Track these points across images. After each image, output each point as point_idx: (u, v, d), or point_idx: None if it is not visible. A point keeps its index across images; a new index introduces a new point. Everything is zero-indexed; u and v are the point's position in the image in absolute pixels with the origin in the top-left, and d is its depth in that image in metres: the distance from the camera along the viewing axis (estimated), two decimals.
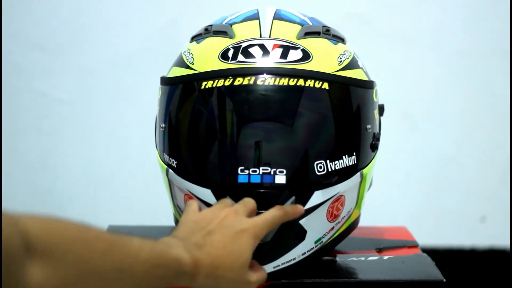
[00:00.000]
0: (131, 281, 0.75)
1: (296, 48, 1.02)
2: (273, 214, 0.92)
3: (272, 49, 1.01)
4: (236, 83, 0.99)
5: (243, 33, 1.05)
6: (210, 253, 0.85)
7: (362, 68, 1.08)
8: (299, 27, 1.07)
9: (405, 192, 2.13)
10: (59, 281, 0.67)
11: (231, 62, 1.01)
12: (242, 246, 0.87)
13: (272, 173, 0.98)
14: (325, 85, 1.00)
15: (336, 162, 1.01)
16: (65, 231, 0.69)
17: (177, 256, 0.81)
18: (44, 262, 0.66)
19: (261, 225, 0.90)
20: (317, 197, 1.00)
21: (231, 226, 0.88)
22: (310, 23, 1.09)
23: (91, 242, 0.71)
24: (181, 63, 1.06)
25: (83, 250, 0.70)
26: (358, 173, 1.03)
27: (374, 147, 1.06)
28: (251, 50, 1.01)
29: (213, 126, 1.00)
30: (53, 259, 0.66)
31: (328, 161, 1.00)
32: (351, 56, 1.07)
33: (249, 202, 0.94)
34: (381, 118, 1.12)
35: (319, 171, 1.00)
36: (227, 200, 0.95)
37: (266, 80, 0.99)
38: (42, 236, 0.66)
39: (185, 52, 1.07)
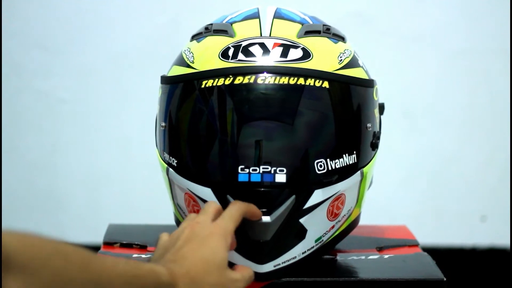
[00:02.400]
0: None
1: (296, 47, 1.02)
2: (230, 210, 0.93)
3: (273, 48, 1.01)
4: (237, 82, 0.99)
5: (244, 32, 1.05)
6: (183, 264, 0.86)
7: (362, 67, 1.08)
8: (300, 26, 1.07)
9: (405, 191, 2.13)
10: None
11: (232, 61, 1.01)
12: (213, 248, 0.88)
13: (272, 172, 0.98)
14: (325, 84, 1.00)
15: (337, 160, 1.01)
16: (43, 246, 0.70)
17: (153, 268, 0.82)
18: (22, 276, 0.67)
19: (224, 224, 0.91)
20: (318, 196, 1.00)
21: (196, 235, 0.89)
22: (311, 22, 1.09)
23: (68, 256, 0.72)
24: (181, 62, 1.06)
25: (60, 264, 0.71)
26: (359, 171, 1.03)
27: (375, 146, 1.06)
28: (251, 49, 1.01)
29: (214, 125, 1.00)
30: (31, 273, 0.68)
31: (328, 159, 1.00)
32: (352, 55, 1.07)
33: (209, 207, 0.94)
34: (382, 116, 1.12)
35: (319, 170, 1.00)
36: (192, 215, 0.95)
37: (266, 79, 0.99)
38: (20, 250, 0.67)
39: (185, 51, 1.07)
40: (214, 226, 0.90)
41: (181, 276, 0.84)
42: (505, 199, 2.11)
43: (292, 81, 0.99)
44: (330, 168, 1.00)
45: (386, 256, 1.09)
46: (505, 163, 2.11)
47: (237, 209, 0.94)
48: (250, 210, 0.95)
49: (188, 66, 1.04)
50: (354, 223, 1.09)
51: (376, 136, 1.06)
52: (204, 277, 0.86)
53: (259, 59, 1.00)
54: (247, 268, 0.93)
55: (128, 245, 1.13)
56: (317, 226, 1.02)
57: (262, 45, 1.02)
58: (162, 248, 0.90)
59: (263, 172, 0.98)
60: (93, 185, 2.13)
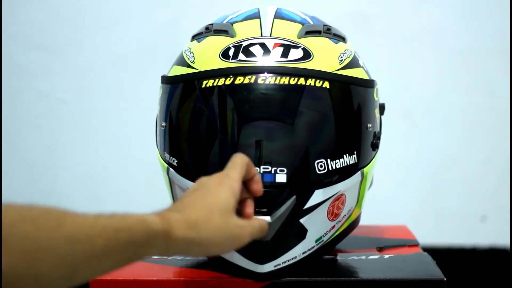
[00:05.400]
0: (91, 252, 0.70)
1: (297, 47, 1.02)
2: (231, 161, 0.89)
3: (273, 48, 1.01)
4: (237, 82, 0.99)
5: (244, 32, 1.05)
6: (182, 211, 0.80)
7: (362, 67, 1.08)
8: (300, 26, 1.07)
9: (405, 191, 2.13)
10: (10, 263, 0.66)
11: (232, 61, 1.01)
12: (218, 196, 0.83)
13: (272, 172, 0.98)
14: (326, 84, 1.00)
15: (337, 161, 1.01)
16: (7, 214, 0.67)
17: (141, 217, 0.75)
18: None
19: (230, 173, 0.87)
20: (318, 196, 1.00)
21: (202, 186, 0.85)
22: (311, 22, 1.09)
23: (36, 219, 0.68)
24: (182, 62, 1.06)
25: (28, 228, 0.67)
26: (359, 172, 1.03)
27: (375, 146, 1.06)
28: (252, 49, 1.01)
29: (214, 125, 1.00)
30: None
31: (328, 160, 1.00)
32: (352, 55, 1.07)
33: (236, 158, 0.90)
34: (382, 117, 1.12)
35: (319, 170, 0.99)
36: None
37: (266, 79, 0.99)
38: None
39: (186, 51, 1.07)
40: (220, 176, 0.86)
41: (177, 221, 0.78)
42: (505, 199, 2.11)
43: (293, 81, 0.99)
44: (330, 168, 1.00)
45: (386, 256, 1.09)
46: (505, 163, 2.11)
47: (240, 157, 0.89)
48: (251, 168, 0.90)
49: (189, 66, 1.04)
50: (354, 223, 1.09)
51: (377, 136, 1.06)
52: (204, 221, 0.80)
53: (259, 59, 1.00)
54: (258, 218, 0.89)
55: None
56: (317, 226, 1.02)
57: (263, 45, 1.02)
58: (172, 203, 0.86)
59: (264, 172, 0.98)
60: (93, 185, 2.13)
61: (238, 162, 0.89)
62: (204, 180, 0.87)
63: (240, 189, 0.87)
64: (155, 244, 0.76)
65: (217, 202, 0.82)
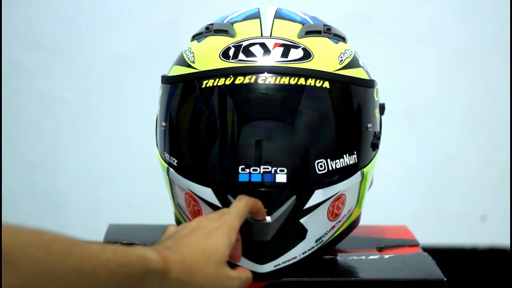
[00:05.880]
0: (94, 282, 0.74)
1: (297, 47, 1.02)
2: (237, 206, 0.93)
3: (273, 48, 1.01)
4: (237, 82, 0.99)
5: (244, 32, 1.05)
6: (180, 252, 0.85)
7: (363, 67, 1.08)
8: (300, 26, 1.07)
9: (405, 191, 2.13)
10: (18, 285, 0.67)
11: (232, 61, 1.01)
12: (216, 243, 0.88)
13: (272, 172, 0.98)
14: (326, 84, 1.00)
15: (337, 161, 1.01)
16: (19, 237, 0.69)
17: (143, 255, 0.80)
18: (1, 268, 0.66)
19: (230, 221, 0.91)
20: (318, 196, 1.00)
21: (201, 228, 0.89)
22: (311, 22, 1.09)
23: (47, 244, 0.70)
24: (182, 62, 1.06)
25: (39, 253, 0.69)
26: (359, 172, 1.03)
27: (375, 146, 1.06)
28: (252, 49, 1.01)
29: (214, 125, 1.00)
30: (9, 264, 0.66)
31: (329, 160, 1.00)
32: (352, 55, 1.07)
33: (222, 210, 0.95)
34: (382, 117, 1.12)
35: (319, 170, 0.99)
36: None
37: (267, 79, 0.99)
38: None
39: (186, 51, 1.07)
40: (221, 222, 0.90)
41: (175, 262, 0.83)
42: (505, 199, 2.11)
43: (293, 81, 0.99)
44: (330, 168, 1.00)
45: (386, 256, 1.09)
46: (505, 163, 2.11)
47: (244, 204, 0.94)
48: (256, 206, 0.95)
49: (189, 66, 1.04)
50: (354, 223, 1.09)
51: (377, 137, 1.06)
52: (200, 267, 0.85)
53: (259, 59, 1.00)
54: (245, 270, 0.93)
55: (129, 245, 1.13)
56: (317, 226, 1.02)
57: (263, 45, 1.02)
58: (166, 236, 0.90)
59: (264, 172, 0.98)
60: (93, 185, 2.13)
61: (242, 208, 0.93)
62: (203, 222, 0.90)
63: (236, 239, 0.91)
64: (152, 281, 0.81)
65: (214, 250, 0.87)
